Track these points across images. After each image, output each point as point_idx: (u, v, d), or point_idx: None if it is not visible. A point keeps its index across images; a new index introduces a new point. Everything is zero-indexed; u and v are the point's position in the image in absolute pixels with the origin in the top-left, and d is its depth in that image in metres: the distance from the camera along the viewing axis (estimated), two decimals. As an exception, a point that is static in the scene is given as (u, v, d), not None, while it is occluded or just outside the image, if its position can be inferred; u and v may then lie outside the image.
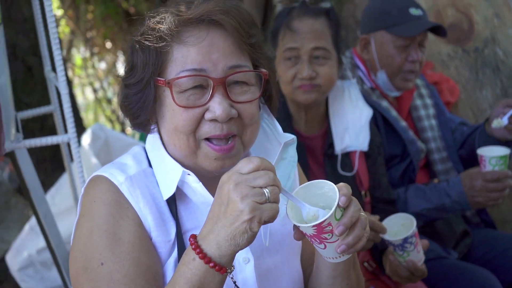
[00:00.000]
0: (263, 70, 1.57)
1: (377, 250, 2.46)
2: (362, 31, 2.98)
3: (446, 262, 2.64)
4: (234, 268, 1.38)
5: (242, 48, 1.53)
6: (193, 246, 1.33)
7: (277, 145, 1.66)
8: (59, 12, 7.23)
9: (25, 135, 2.57)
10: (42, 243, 3.72)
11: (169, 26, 1.49)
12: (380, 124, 2.77)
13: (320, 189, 1.43)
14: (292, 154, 1.65)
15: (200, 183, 1.54)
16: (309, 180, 1.74)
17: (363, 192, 2.59)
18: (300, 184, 1.74)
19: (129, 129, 6.74)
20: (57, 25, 3.40)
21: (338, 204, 1.34)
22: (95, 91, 8.26)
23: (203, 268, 1.32)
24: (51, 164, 4.64)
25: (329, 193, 1.41)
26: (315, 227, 1.35)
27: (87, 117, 8.49)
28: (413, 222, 2.25)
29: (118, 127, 7.86)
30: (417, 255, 2.25)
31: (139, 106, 1.57)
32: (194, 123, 1.49)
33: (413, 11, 2.85)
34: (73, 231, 1.56)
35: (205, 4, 1.51)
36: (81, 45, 8.15)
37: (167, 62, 1.51)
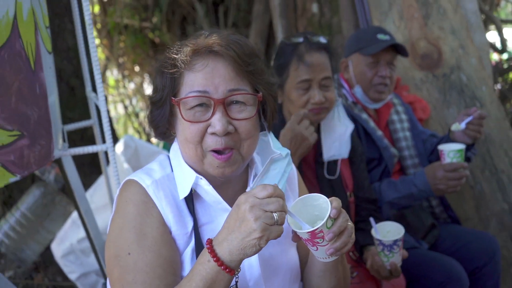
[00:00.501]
0: (259, 93, 1.57)
1: (358, 244, 2.47)
2: (344, 56, 3.01)
3: (418, 252, 2.63)
4: (240, 270, 1.40)
5: (241, 75, 1.53)
6: (209, 250, 1.36)
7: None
8: (97, 41, 7.26)
9: (68, 144, 2.59)
10: (82, 233, 3.70)
11: (182, 55, 1.52)
12: (361, 133, 2.80)
13: (316, 201, 1.46)
14: (278, 167, 1.65)
15: (211, 186, 1.56)
16: (306, 187, 1.78)
17: (348, 193, 2.58)
18: (299, 191, 1.79)
19: (153, 139, 6.75)
20: (88, 53, 3.44)
21: (329, 215, 1.37)
22: (125, 107, 8.25)
23: (216, 269, 1.35)
24: (89, 168, 4.64)
25: (323, 205, 1.43)
26: (310, 233, 1.39)
27: (118, 128, 8.48)
28: (401, 229, 2.23)
29: (144, 137, 7.84)
30: (399, 258, 2.24)
31: (159, 119, 1.60)
32: (199, 135, 1.51)
33: (381, 36, 2.86)
34: (109, 225, 1.58)
35: (211, 37, 1.54)
36: (114, 69, 8.16)
37: (180, 85, 1.54)
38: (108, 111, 2.34)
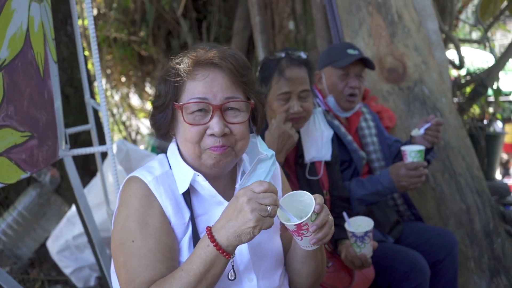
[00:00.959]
0: (252, 101, 1.64)
1: (333, 238, 2.51)
2: (318, 69, 3.07)
3: (384, 245, 2.65)
4: (235, 255, 1.47)
5: (236, 84, 1.60)
6: (209, 236, 1.42)
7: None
8: (86, 53, 7.27)
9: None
10: (76, 230, 3.75)
11: (184, 66, 1.58)
12: (333, 138, 2.82)
13: (301, 197, 1.51)
14: (264, 166, 1.69)
15: (207, 181, 1.62)
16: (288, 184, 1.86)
17: (324, 192, 2.62)
18: (283, 187, 1.85)
19: (141, 146, 6.76)
20: (86, 63, 3.46)
21: (313, 210, 1.44)
22: (113, 115, 8.23)
23: (215, 253, 1.42)
24: (81, 171, 4.64)
25: (307, 201, 1.48)
26: (296, 226, 1.46)
27: (105, 135, 8.43)
28: (371, 223, 2.31)
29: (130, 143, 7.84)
30: (370, 248, 2.29)
31: (161, 122, 1.65)
32: (199, 136, 1.57)
33: (350, 51, 2.92)
34: (114, 216, 1.62)
35: (211, 51, 1.60)
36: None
37: (182, 92, 1.60)
38: (107, 116, 2.40)
